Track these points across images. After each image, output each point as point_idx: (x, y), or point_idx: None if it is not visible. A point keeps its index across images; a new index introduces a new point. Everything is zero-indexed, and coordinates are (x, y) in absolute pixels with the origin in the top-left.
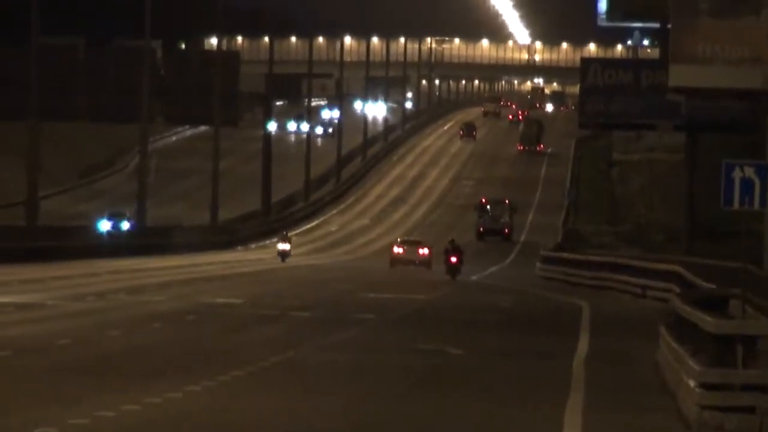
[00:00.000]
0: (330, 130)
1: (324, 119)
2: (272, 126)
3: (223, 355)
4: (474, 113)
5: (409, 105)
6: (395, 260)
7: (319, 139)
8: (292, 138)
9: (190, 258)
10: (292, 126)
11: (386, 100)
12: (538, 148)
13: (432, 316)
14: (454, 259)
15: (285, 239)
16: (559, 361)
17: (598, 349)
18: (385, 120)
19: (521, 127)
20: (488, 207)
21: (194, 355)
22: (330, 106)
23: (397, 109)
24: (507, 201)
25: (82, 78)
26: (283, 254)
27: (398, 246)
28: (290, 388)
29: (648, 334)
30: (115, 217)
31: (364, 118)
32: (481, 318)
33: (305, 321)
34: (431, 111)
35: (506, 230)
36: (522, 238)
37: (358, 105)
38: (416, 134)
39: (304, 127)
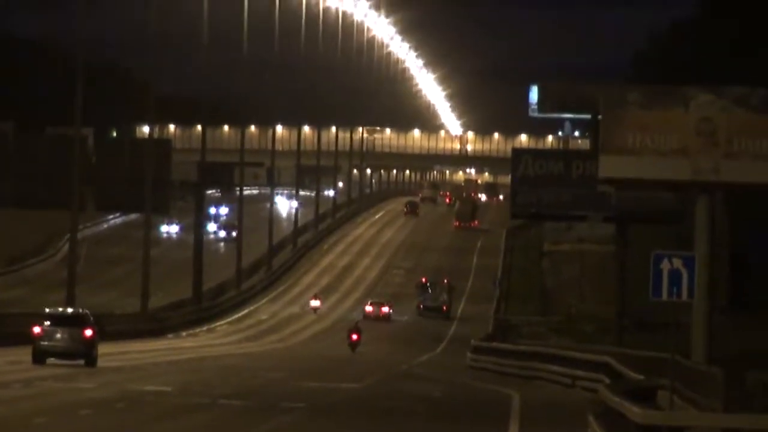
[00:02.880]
0: (234, 233)
1: (219, 217)
2: (173, 228)
3: None
4: (404, 203)
5: (331, 194)
6: (367, 315)
7: (221, 244)
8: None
9: (121, 345)
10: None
11: (317, 189)
12: (473, 224)
13: (362, 405)
14: (354, 337)
15: (316, 297)
16: None
17: None
18: (297, 215)
19: (457, 205)
20: (428, 286)
21: None
22: (217, 205)
23: (325, 199)
24: (446, 281)
25: (11, 164)
26: (315, 309)
27: (369, 305)
28: None
29: (577, 424)
30: None
31: (297, 209)
32: (412, 407)
33: (235, 409)
34: (362, 201)
35: (444, 307)
36: (452, 330)
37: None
38: (347, 223)
39: (211, 227)
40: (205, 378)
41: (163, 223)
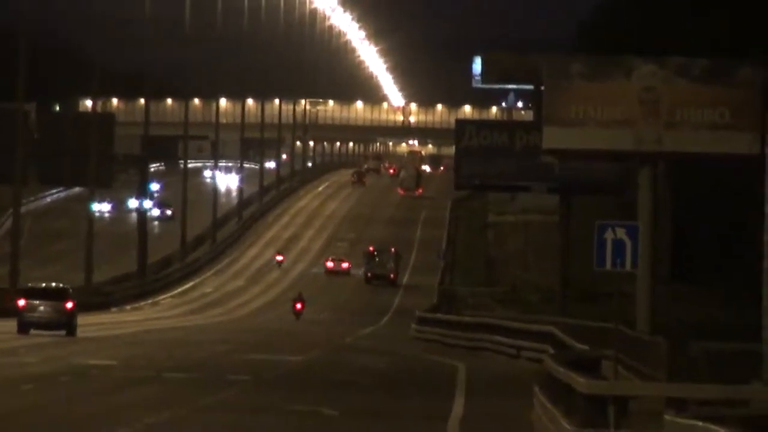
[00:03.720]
0: (169, 212)
1: (152, 194)
2: (105, 206)
3: (97, 417)
4: (348, 175)
5: (272, 166)
6: (328, 270)
7: (155, 223)
8: (134, 217)
9: None
10: (133, 203)
11: (259, 162)
12: (418, 192)
13: (308, 377)
14: (299, 306)
15: (279, 252)
16: (434, 423)
17: (473, 410)
18: (241, 188)
19: (402, 173)
20: (375, 254)
21: (67, 417)
22: (148, 181)
23: (269, 172)
24: (393, 249)
25: None
26: (280, 263)
27: (330, 261)
28: None
29: (523, 395)
30: None
31: (239, 184)
32: (357, 379)
33: (180, 382)
34: (305, 173)
35: (392, 275)
36: (396, 301)
37: (208, 173)
38: (291, 196)
39: (146, 204)
40: (150, 351)
41: (94, 201)
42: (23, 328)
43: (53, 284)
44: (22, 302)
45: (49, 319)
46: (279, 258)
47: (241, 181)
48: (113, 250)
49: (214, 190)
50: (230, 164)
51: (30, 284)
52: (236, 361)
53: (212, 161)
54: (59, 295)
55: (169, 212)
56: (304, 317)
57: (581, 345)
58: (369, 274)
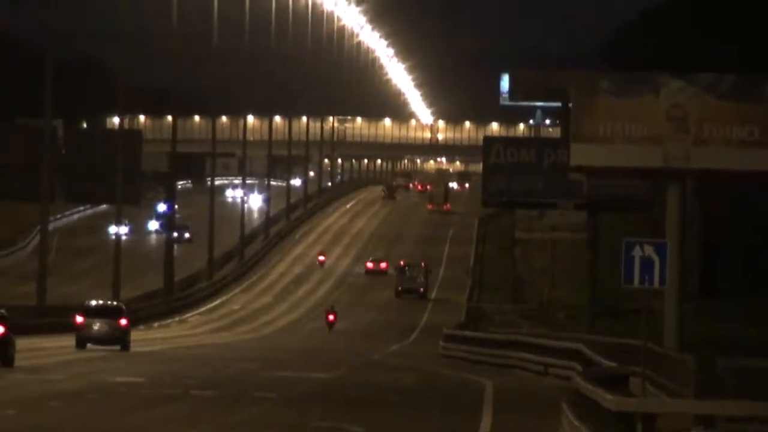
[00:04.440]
0: (186, 234)
1: (163, 215)
2: (123, 229)
3: None
4: (376, 192)
5: (299, 183)
6: (368, 270)
7: (174, 246)
8: (153, 239)
9: None
10: (153, 225)
11: (288, 179)
12: (445, 207)
13: (334, 394)
14: (331, 318)
15: (322, 252)
16: None
17: (500, 427)
18: (269, 205)
19: (429, 188)
20: (406, 269)
21: None
22: (158, 201)
23: (296, 190)
24: (423, 264)
25: None
26: (322, 263)
27: (370, 262)
28: None
29: (550, 412)
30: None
31: (264, 200)
32: (384, 396)
33: (207, 400)
34: (332, 190)
35: (422, 289)
36: (424, 318)
37: (230, 192)
38: (318, 213)
39: (154, 225)
40: (177, 368)
41: (111, 224)
42: (81, 343)
43: (109, 302)
44: (80, 319)
45: (105, 335)
46: (321, 258)
47: (266, 198)
48: (134, 271)
49: (242, 207)
50: (255, 182)
51: (87, 302)
52: (263, 378)
53: (239, 178)
54: (114, 313)
55: (187, 235)
56: (335, 330)
57: (609, 362)
58: (399, 288)
